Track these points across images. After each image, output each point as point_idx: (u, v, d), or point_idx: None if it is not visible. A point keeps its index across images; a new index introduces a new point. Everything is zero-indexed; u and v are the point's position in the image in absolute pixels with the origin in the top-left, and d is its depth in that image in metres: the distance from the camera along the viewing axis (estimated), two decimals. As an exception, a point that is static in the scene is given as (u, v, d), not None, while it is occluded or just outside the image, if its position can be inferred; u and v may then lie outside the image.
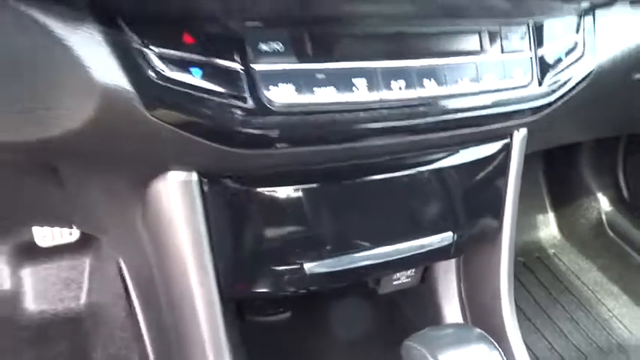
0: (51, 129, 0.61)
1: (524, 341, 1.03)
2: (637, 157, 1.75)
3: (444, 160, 0.84)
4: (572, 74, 0.84)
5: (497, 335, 0.92)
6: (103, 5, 0.56)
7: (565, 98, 0.83)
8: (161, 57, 0.59)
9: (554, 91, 0.82)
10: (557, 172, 1.91)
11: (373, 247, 0.83)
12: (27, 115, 0.60)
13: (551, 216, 1.98)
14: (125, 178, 0.75)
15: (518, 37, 0.78)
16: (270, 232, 0.77)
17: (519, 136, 0.89)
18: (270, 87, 0.63)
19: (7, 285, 1.41)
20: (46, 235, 1.43)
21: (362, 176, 0.79)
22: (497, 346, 0.77)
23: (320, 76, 0.65)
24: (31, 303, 1.41)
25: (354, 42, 0.69)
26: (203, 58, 0.60)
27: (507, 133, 0.88)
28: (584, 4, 0.84)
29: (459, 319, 1.09)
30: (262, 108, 0.63)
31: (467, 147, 0.86)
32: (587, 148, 1.82)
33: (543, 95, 0.81)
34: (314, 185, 0.77)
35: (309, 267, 0.79)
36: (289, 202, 0.76)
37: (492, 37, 0.77)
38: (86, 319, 1.40)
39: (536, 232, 1.94)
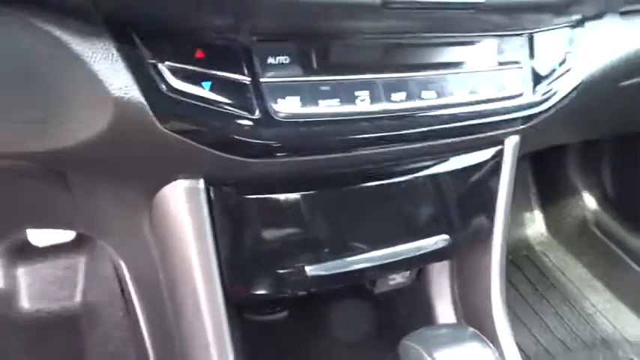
0: (64, 140, 0.63)
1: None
2: (622, 157, 1.78)
3: (439, 166, 0.87)
4: (564, 84, 0.87)
5: (488, 333, 0.95)
6: (118, 21, 0.58)
7: (556, 107, 0.86)
8: (173, 71, 0.61)
9: (546, 101, 0.85)
10: (544, 171, 1.94)
11: (372, 250, 0.85)
12: (41, 127, 0.61)
13: (538, 214, 2.01)
14: (134, 185, 0.77)
15: (512, 49, 0.82)
16: (274, 237, 0.79)
17: (512, 142, 0.92)
18: (278, 99, 0.65)
19: (2, 284, 1.40)
20: (41, 235, 1.43)
21: (361, 182, 0.82)
22: (490, 345, 0.80)
23: (324, 88, 0.68)
24: (26, 302, 1.40)
25: (357, 55, 0.71)
26: (213, 72, 0.62)
27: (500, 140, 0.91)
28: (575, 17, 0.87)
29: (452, 318, 1.12)
30: (269, 119, 0.65)
31: (461, 154, 0.88)
32: (573, 149, 1.85)
33: (536, 104, 0.84)
34: (315, 191, 0.79)
35: (310, 269, 0.82)
36: (292, 207, 0.78)
37: (488, 50, 0.80)
38: (82, 318, 1.40)
39: (524, 230, 1.97)
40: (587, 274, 1.83)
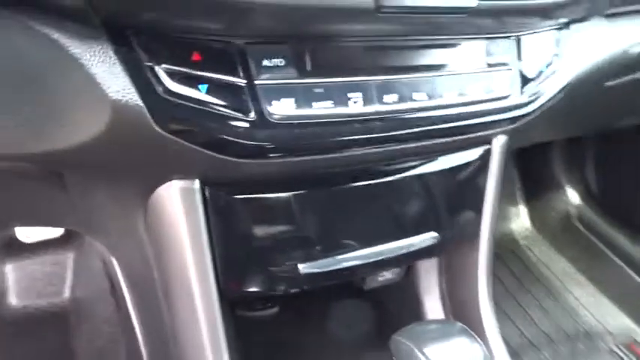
0: (62, 142, 0.63)
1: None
2: (605, 154, 1.81)
3: (428, 165, 0.89)
4: (551, 86, 0.89)
5: (475, 328, 0.97)
6: (116, 24, 0.59)
7: (543, 108, 0.88)
8: (170, 73, 0.61)
9: (533, 102, 0.87)
10: (529, 167, 1.97)
11: (364, 248, 0.87)
12: (39, 128, 0.61)
13: (523, 209, 2.04)
14: (130, 185, 0.77)
15: (500, 52, 0.83)
16: (268, 236, 0.80)
17: (499, 142, 0.94)
18: (272, 101, 0.66)
19: (-11, 281, 1.40)
20: (28, 231, 1.42)
21: (353, 182, 0.83)
22: (478, 339, 0.82)
23: (318, 90, 0.69)
24: (14, 298, 1.40)
25: (350, 58, 0.72)
26: (209, 74, 0.63)
27: (488, 140, 0.93)
28: (562, 20, 0.88)
29: (440, 313, 1.14)
30: (264, 121, 0.66)
31: (450, 153, 0.90)
32: (558, 146, 1.88)
33: (523, 105, 0.86)
34: (307, 191, 0.80)
35: (302, 267, 0.83)
36: (285, 207, 0.79)
37: (477, 52, 0.81)
38: (71, 313, 1.40)
39: (508, 225, 2.00)
40: (571, 268, 1.87)
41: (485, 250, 1.03)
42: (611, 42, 0.96)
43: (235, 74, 0.64)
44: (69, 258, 1.46)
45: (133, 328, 1.04)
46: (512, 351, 1.45)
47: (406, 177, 0.87)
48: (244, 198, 0.76)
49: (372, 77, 0.72)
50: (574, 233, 1.88)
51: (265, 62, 0.66)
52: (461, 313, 1.11)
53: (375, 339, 1.10)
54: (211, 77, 0.63)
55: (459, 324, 0.85)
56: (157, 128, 0.62)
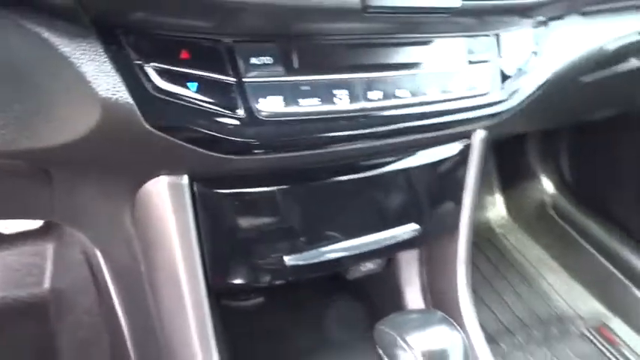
0: (52, 139, 0.63)
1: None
2: (579, 145, 1.85)
3: (410, 159, 0.91)
4: (530, 82, 0.92)
5: (454, 316, 1.01)
6: (106, 23, 0.59)
7: (523, 104, 0.91)
8: (159, 72, 0.62)
9: (513, 98, 0.89)
10: (505, 158, 2.01)
11: (348, 240, 0.89)
12: (30, 125, 0.61)
13: (499, 198, 2.09)
14: (118, 181, 0.77)
15: (481, 49, 0.85)
16: (255, 229, 0.82)
17: (479, 136, 0.96)
18: (260, 99, 0.67)
19: (-32, 272, 1.39)
20: (7, 222, 1.40)
21: (338, 176, 0.85)
22: (457, 327, 0.85)
23: (305, 88, 0.70)
24: (-8, 289, 1.39)
25: (336, 56, 0.74)
26: (198, 72, 0.64)
27: (468, 135, 0.95)
28: (540, 18, 0.91)
29: (421, 302, 1.17)
30: (253, 118, 0.67)
31: (432, 147, 0.92)
32: (533, 137, 1.92)
33: (503, 101, 0.88)
34: (294, 185, 0.81)
35: (288, 260, 0.85)
36: (272, 201, 0.81)
37: (459, 50, 0.83)
38: (51, 304, 1.39)
39: (485, 213, 2.04)
40: (545, 255, 1.91)
41: (464, 242, 1.06)
42: (588, 39, 0.99)
43: (224, 72, 0.65)
44: (48, 249, 1.44)
45: (117, 319, 1.04)
46: (488, 336, 1.49)
47: (389, 171, 0.89)
48: (232, 193, 0.77)
49: (357, 75, 0.74)
50: (548, 221, 1.93)
51: (253, 60, 0.67)
52: (440, 302, 1.14)
53: (358, 328, 1.12)
54: (200, 75, 0.64)
55: (440, 313, 0.87)
56: (147, 125, 0.62)
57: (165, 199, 0.74)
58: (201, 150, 0.67)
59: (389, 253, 1.11)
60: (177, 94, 0.63)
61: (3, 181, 0.82)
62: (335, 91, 0.72)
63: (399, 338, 0.80)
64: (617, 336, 1.64)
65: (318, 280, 0.95)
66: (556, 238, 1.90)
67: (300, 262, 0.85)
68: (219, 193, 0.76)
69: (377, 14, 0.66)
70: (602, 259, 1.74)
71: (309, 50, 0.71)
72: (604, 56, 1.03)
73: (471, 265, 1.13)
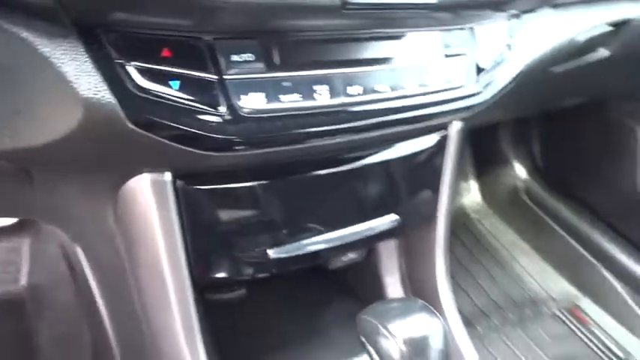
0: (33, 140, 0.63)
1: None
2: (549, 131, 1.90)
3: (389, 152, 0.92)
4: (504, 74, 0.94)
5: (433, 303, 1.03)
6: (86, 23, 0.58)
7: (497, 96, 0.93)
8: (141, 70, 0.62)
9: (488, 90, 0.92)
10: (479, 145, 2.04)
11: (330, 232, 0.90)
12: (10, 127, 0.61)
13: (474, 185, 2.13)
14: (100, 179, 0.77)
15: (457, 43, 0.87)
16: (238, 223, 0.83)
17: (455, 128, 0.98)
18: (241, 96, 0.68)
19: (-58, 269, 1.36)
20: (-19, 219, 1.38)
21: (318, 170, 0.86)
22: (437, 314, 0.88)
23: (286, 84, 0.71)
24: (-32, 286, 1.37)
25: (316, 52, 0.74)
26: (180, 70, 0.64)
27: (445, 126, 0.97)
28: (513, 11, 0.93)
29: (400, 291, 1.20)
30: (235, 115, 0.68)
31: (410, 139, 0.94)
32: (506, 124, 1.96)
33: (478, 94, 0.90)
34: (276, 180, 0.82)
35: (272, 253, 0.86)
36: (256, 196, 0.81)
37: (436, 44, 0.85)
38: (28, 301, 1.38)
39: (460, 200, 2.08)
40: (518, 239, 1.96)
41: (442, 231, 1.09)
42: (559, 31, 1.01)
43: (205, 70, 0.65)
44: (24, 245, 1.42)
45: (98, 314, 1.04)
46: (465, 320, 1.53)
47: (368, 164, 0.90)
48: (215, 188, 0.77)
49: (337, 70, 0.75)
50: (521, 206, 1.97)
51: (234, 57, 0.67)
52: (420, 290, 1.17)
53: (340, 318, 1.14)
54: (181, 73, 0.64)
55: (420, 301, 0.89)
56: (129, 124, 0.62)
57: (149, 196, 0.74)
58: (184, 147, 0.67)
59: (370, 244, 1.13)
60: (159, 92, 0.63)
61: None
62: (315, 87, 0.73)
63: (381, 326, 0.82)
64: (588, 315, 1.69)
65: (300, 271, 0.97)
66: (529, 223, 1.95)
67: (284, 255, 0.87)
68: (202, 189, 0.77)
69: (355, 10, 0.67)
70: (573, 242, 1.79)
71: (289, 47, 0.71)
72: (574, 47, 1.06)
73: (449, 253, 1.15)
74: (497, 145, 2.02)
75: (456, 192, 2.01)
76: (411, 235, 1.15)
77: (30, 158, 0.70)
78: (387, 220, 0.96)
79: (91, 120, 0.61)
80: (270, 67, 0.70)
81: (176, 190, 0.75)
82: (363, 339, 0.81)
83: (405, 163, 0.95)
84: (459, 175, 2.02)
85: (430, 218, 1.07)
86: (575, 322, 1.67)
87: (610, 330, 1.64)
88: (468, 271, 1.84)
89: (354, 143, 0.85)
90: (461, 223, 2.01)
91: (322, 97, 0.73)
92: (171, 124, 0.65)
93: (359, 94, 0.76)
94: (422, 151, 0.96)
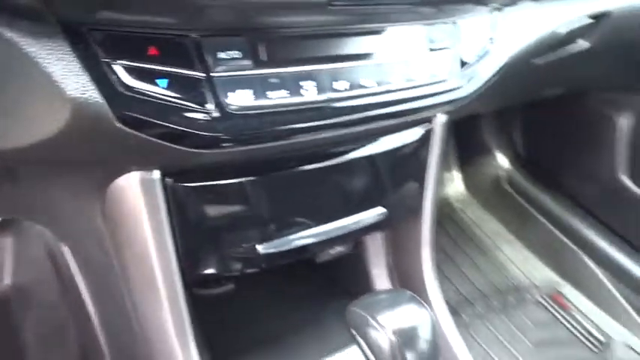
0: (20, 140, 0.62)
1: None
2: (530, 122, 1.92)
3: (375, 146, 0.93)
4: (488, 68, 0.95)
5: (420, 294, 1.05)
6: (72, 21, 0.58)
7: (481, 89, 0.94)
8: (128, 69, 0.61)
9: (472, 84, 0.93)
10: (462, 136, 2.07)
11: (318, 226, 0.91)
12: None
13: (457, 175, 2.15)
14: (87, 178, 0.77)
15: (441, 37, 0.87)
16: (227, 220, 0.83)
17: (440, 121, 0.99)
18: (229, 93, 0.68)
19: None
20: (-38, 218, 1.36)
21: (306, 165, 0.86)
22: (425, 305, 0.89)
23: (273, 80, 0.71)
24: (-50, 287, 1.35)
25: (302, 48, 0.74)
26: (167, 69, 0.64)
27: (429, 119, 0.98)
28: (494, 4, 0.94)
29: (387, 282, 1.22)
30: (223, 112, 0.68)
31: (395, 133, 0.95)
32: (488, 115, 1.98)
33: (462, 87, 0.91)
34: (264, 176, 0.83)
35: (261, 248, 0.87)
36: (244, 192, 0.82)
37: (420, 38, 0.86)
38: (12, 301, 1.36)
39: (444, 190, 2.10)
40: (501, 228, 1.99)
41: (427, 223, 1.10)
42: (540, 23, 1.03)
43: (192, 67, 0.65)
44: (7, 243, 1.40)
45: (85, 312, 1.03)
46: (450, 308, 1.56)
47: (354, 158, 0.91)
48: (204, 185, 0.78)
49: (323, 66, 0.75)
50: (504, 196, 2.00)
51: (221, 55, 0.67)
52: (407, 281, 1.18)
53: (330, 311, 1.15)
54: (169, 71, 0.64)
55: (408, 292, 0.91)
56: (117, 123, 0.62)
57: (137, 194, 0.74)
58: (172, 145, 0.67)
59: (358, 237, 1.14)
60: (146, 90, 0.63)
61: None
62: (302, 83, 0.73)
63: (370, 318, 0.83)
64: (570, 301, 1.73)
65: (288, 265, 0.97)
66: (512, 212, 1.97)
67: (273, 250, 0.87)
68: (191, 186, 0.77)
69: (341, 6, 0.67)
70: (555, 230, 1.82)
71: (276, 43, 0.72)
72: (556, 39, 1.07)
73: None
74: (480, 135, 2.04)
75: (439, 181, 2.03)
76: (398, 227, 1.17)
77: (17, 158, 0.70)
78: (373, 214, 0.97)
79: (79, 120, 0.60)
80: (257, 63, 0.70)
81: (165, 187, 0.75)
82: (353, 331, 0.82)
83: (390, 157, 0.96)
84: (443, 166, 2.04)
85: (416, 211, 1.08)
86: (557, 307, 1.71)
87: (591, 315, 1.68)
88: (452, 261, 1.87)
89: (341, 138, 0.85)
90: (445, 213, 2.03)
91: (309, 92, 0.74)
92: (160, 122, 0.65)
93: (345, 90, 0.77)
94: (407, 145, 0.97)
